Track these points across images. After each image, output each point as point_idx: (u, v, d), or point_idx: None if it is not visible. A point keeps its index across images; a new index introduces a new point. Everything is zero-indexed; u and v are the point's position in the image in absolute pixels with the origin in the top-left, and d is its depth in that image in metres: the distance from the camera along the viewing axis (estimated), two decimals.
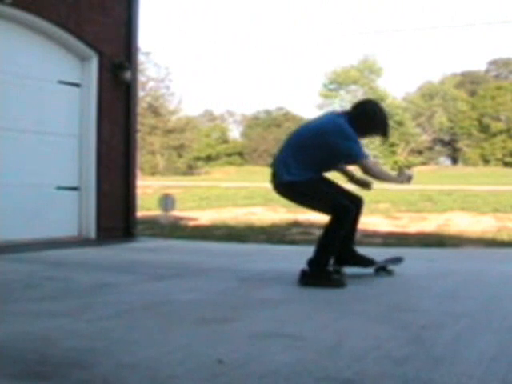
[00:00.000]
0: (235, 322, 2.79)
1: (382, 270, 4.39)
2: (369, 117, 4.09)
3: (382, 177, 4.17)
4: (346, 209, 3.96)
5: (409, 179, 4.12)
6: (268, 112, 62.30)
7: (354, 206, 4.06)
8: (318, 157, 4.02)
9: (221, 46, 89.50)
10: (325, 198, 4.05)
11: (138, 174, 8.60)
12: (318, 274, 3.92)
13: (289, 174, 4.02)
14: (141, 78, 36.18)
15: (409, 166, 52.74)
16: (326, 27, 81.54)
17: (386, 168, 50.88)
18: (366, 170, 3.99)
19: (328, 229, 4.00)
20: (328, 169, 4.18)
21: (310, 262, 3.96)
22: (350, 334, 2.59)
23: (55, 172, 7.06)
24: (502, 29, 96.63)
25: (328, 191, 4.09)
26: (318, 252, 3.98)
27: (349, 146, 3.97)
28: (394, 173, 4.35)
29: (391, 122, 56.37)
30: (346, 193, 4.21)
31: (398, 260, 4.49)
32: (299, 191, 4.07)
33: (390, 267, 4.41)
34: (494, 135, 54.06)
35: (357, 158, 3.97)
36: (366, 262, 4.29)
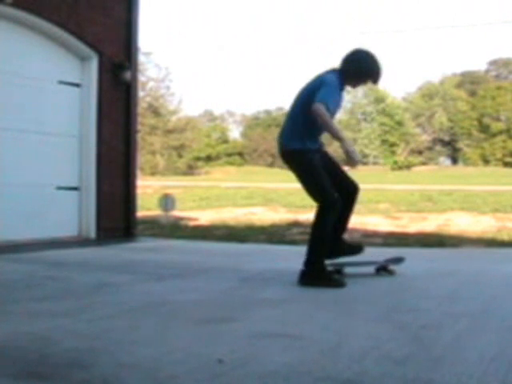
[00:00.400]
0: (235, 322, 2.79)
1: (383, 269, 4.39)
2: (359, 64, 4.03)
3: (329, 126, 3.84)
4: (332, 204, 3.94)
5: (354, 161, 3.88)
6: (268, 112, 62.34)
7: (344, 195, 4.04)
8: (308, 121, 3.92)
9: (221, 46, 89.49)
10: (315, 185, 4.01)
11: (138, 173, 8.60)
12: (316, 274, 3.91)
13: (288, 141, 4.02)
14: (141, 78, 36.17)
15: (409, 166, 52.80)
16: (326, 27, 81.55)
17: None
18: (317, 113, 3.77)
19: (315, 225, 3.99)
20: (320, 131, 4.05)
21: (306, 262, 3.97)
22: (350, 334, 2.59)
23: (55, 172, 7.06)
24: (502, 29, 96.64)
25: (321, 178, 4.00)
26: (309, 251, 3.98)
27: (322, 91, 3.84)
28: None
29: (392, 122, 56.45)
30: (341, 178, 4.14)
31: (398, 260, 4.48)
32: (298, 162, 4.02)
33: (391, 267, 4.41)
34: (494, 135, 54.08)
35: (316, 98, 3.80)
36: (354, 248, 4.31)
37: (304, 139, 3.98)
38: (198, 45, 76.42)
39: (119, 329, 2.66)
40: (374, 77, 4.11)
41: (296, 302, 3.37)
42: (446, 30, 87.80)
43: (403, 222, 12.31)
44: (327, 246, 4.01)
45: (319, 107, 3.76)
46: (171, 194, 13.60)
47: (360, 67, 4.05)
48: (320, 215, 3.98)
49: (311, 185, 4.05)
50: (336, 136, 3.84)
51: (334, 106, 3.93)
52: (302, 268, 3.96)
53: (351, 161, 3.87)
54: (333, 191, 3.99)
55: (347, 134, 57.50)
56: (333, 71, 4.08)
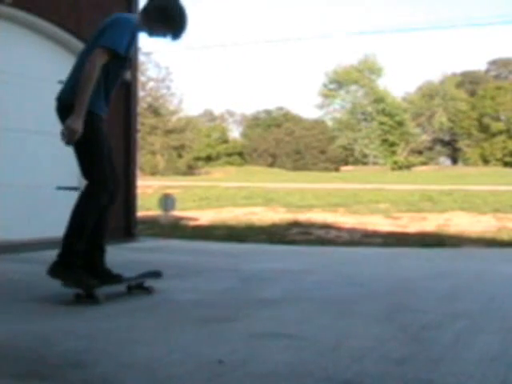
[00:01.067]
0: (235, 322, 2.79)
1: (138, 287, 3.64)
2: (160, 9, 3.55)
3: (85, 87, 3.26)
4: (107, 187, 3.41)
5: (69, 140, 3.32)
6: (268, 112, 62.30)
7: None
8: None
9: (221, 46, 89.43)
10: (92, 158, 3.46)
11: (138, 173, 8.60)
12: (67, 267, 3.29)
13: (69, 95, 3.37)
14: (141, 78, 36.19)
15: (409, 166, 52.81)
16: (326, 27, 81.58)
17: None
18: (90, 64, 3.26)
19: (78, 210, 3.39)
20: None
21: (60, 253, 3.34)
22: (350, 334, 2.59)
23: (55, 172, 7.06)
24: (502, 29, 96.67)
25: (101, 154, 3.47)
26: (65, 240, 3.34)
27: (111, 31, 3.40)
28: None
29: (392, 122, 56.36)
30: (111, 168, 3.57)
31: (155, 274, 3.79)
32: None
33: (147, 284, 3.68)
34: (494, 135, 54.09)
35: (101, 41, 3.34)
36: (113, 278, 3.52)
37: (90, 97, 3.32)
38: (198, 45, 76.44)
39: (119, 329, 2.66)
40: (176, 30, 3.59)
41: (296, 302, 3.37)
42: (446, 29, 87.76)
43: (403, 221, 12.32)
44: (85, 239, 3.39)
45: (96, 57, 3.28)
46: (171, 194, 13.60)
47: (165, 14, 3.55)
48: (87, 197, 3.42)
49: (87, 157, 3.51)
50: (79, 99, 3.25)
51: (126, 47, 3.44)
52: (55, 258, 3.36)
53: (66, 138, 3.35)
54: (109, 174, 3.47)
55: (347, 134, 57.58)
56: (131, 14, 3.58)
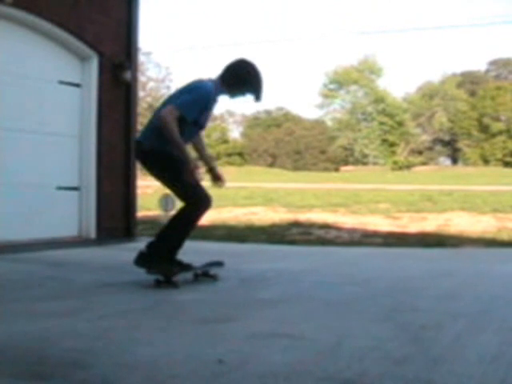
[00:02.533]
0: (235, 322, 2.79)
1: (204, 275, 4.18)
2: (239, 75, 3.93)
3: (170, 135, 3.73)
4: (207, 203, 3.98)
5: (224, 181, 4.13)
6: (268, 112, 62.27)
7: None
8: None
9: (221, 46, 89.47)
10: (182, 182, 3.91)
11: (138, 174, 8.60)
12: (158, 260, 3.86)
13: (146, 141, 3.91)
14: (141, 78, 36.15)
15: (409, 166, 52.81)
16: (326, 27, 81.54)
17: None
18: (163, 120, 3.71)
19: (182, 218, 3.95)
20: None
21: (152, 245, 3.95)
22: (350, 334, 2.59)
23: (55, 172, 7.06)
24: (502, 29, 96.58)
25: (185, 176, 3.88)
26: (160, 240, 3.97)
27: (186, 97, 3.80)
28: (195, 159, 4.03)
29: (392, 122, 56.40)
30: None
31: (218, 264, 4.24)
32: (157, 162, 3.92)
33: (213, 272, 4.18)
34: (494, 135, 54.07)
35: (175, 102, 3.77)
36: (185, 267, 4.08)
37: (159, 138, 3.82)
38: (198, 44, 76.36)
39: (119, 329, 2.66)
40: (254, 92, 3.98)
41: (296, 302, 3.37)
42: (446, 30, 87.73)
43: (403, 221, 12.31)
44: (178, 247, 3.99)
45: (168, 114, 3.70)
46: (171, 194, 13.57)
47: (241, 81, 3.95)
48: (191, 211, 3.94)
49: (176, 180, 3.99)
50: (179, 150, 3.76)
51: (195, 115, 3.82)
52: (143, 249, 3.94)
53: (221, 181, 4.16)
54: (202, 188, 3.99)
55: (347, 134, 57.60)
56: (211, 80, 3.98)
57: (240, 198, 18.78)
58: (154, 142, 3.86)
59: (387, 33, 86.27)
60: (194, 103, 3.79)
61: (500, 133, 54.00)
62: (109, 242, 6.98)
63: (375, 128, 57.22)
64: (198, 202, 3.95)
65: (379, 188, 21.63)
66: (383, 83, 68.68)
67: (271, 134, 57.00)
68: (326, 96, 60.31)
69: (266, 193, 20.52)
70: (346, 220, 12.51)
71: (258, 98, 3.99)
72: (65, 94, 7.17)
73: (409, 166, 53.00)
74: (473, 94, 57.33)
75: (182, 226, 3.97)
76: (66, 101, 7.20)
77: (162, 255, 3.90)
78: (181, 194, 4.02)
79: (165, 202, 12.25)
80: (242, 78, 3.93)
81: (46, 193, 6.93)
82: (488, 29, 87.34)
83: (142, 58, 32.82)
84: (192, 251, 6.79)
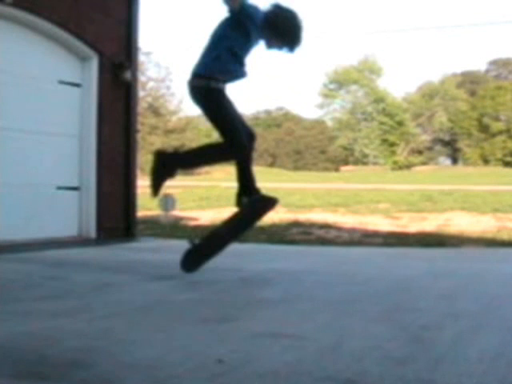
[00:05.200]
0: (235, 322, 2.79)
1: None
2: (281, 19, 3.78)
3: None
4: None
5: None
6: (268, 112, 62.31)
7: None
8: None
9: None
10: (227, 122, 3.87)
11: (138, 173, 8.60)
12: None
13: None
14: (141, 78, 36.14)
15: (409, 166, 52.82)
16: (326, 27, 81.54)
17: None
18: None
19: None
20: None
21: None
22: (350, 334, 2.58)
23: (55, 172, 7.06)
24: (502, 29, 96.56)
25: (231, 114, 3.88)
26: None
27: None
28: None
29: (392, 122, 56.46)
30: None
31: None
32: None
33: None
34: (494, 135, 54.11)
35: None
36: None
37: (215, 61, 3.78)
38: (198, 45, 76.32)
39: (119, 329, 2.65)
40: (293, 44, 3.83)
41: (296, 302, 3.37)
42: (446, 29, 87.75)
43: (403, 221, 12.31)
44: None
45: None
46: (171, 193, 13.58)
47: (288, 26, 3.79)
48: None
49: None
50: None
51: (249, 11, 3.74)
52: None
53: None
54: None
55: (347, 134, 57.60)
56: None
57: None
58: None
59: (387, 33, 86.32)
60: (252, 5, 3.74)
61: (500, 133, 54.04)
62: (109, 241, 6.98)
63: (375, 128, 57.26)
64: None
65: (379, 188, 21.64)
66: (383, 83, 68.76)
67: (271, 134, 57.02)
68: (326, 96, 60.36)
69: (265, 192, 20.49)
70: (346, 220, 12.51)
71: (292, 50, 3.85)
72: (65, 93, 7.17)
73: (409, 166, 53.04)
74: (473, 93, 57.36)
75: None
76: (66, 101, 7.20)
77: None
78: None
79: (165, 202, 12.26)
80: (291, 32, 3.77)
81: (45, 193, 6.93)
82: (488, 29, 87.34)
83: (142, 57, 32.83)
84: None
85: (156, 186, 3.94)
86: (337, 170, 51.77)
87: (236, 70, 3.88)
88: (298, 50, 3.84)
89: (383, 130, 56.78)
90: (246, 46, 3.88)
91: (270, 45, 3.86)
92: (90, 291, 3.69)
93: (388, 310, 3.14)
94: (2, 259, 5.21)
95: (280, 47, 3.83)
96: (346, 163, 55.95)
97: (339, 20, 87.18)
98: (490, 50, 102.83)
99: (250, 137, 4.04)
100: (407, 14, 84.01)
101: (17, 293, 3.61)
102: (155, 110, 47.69)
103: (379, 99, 56.85)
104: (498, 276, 4.58)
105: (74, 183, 7.25)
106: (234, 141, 3.84)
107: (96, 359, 2.14)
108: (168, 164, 3.93)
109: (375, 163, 57.02)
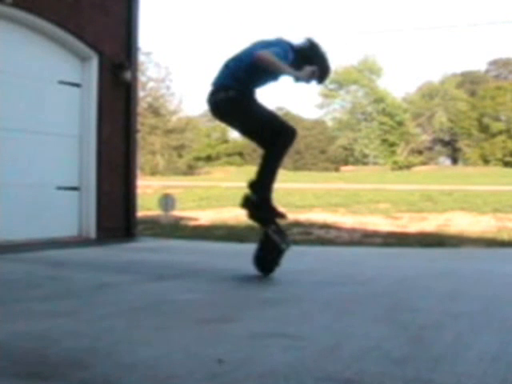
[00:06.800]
0: (235, 322, 2.79)
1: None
2: (315, 51, 3.99)
3: (276, 65, 3.71)
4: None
5: (310, 74, 3.79)
6: None
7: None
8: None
9: (221, 46, 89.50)
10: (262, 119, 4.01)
11: (138, 173, 8.61)
12: (265, 208, 4.03)
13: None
14: (141, 78, 36.18)
15: (409, 166, 52.82)
16: (326, 27, 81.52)
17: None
18: (261, 57, 3.68)
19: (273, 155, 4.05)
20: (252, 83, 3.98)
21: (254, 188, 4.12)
22: (350, 334, 2.59)
23: (55, 172, 7.06)
24: (502, 29, 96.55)
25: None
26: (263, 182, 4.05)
27: (274, 48, 3.77)
28: None
29: (392, 122, 56.42)
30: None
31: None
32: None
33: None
34: (494, 135, 54.08)
35: (258, 50, 3.75)
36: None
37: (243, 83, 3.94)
38: (199, 44, 76.38)
39: (119, 329, 2.65)
40: (322, 78, 4.02)
41: (296, 302, 3.37)
42: (446, 29, 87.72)
43: (403, 221, 12.31)
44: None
45: (262, 52, 3.68)
46: (171, 193, 13.59)
47: (319, 59, 3.97)
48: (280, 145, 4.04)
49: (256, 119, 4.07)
50: (289, 73, 3.76)
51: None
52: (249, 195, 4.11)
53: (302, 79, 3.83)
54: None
55: (347, 134, 57.61)
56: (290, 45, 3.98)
57: (240, 197, 18.77)
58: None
59: (387, 33, 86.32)
60: (282, 50, 3.77)
61: (500, 133, 54.01)
62: (109, 241, 6.99)
63: (375, 128, 57.24)
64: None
65: (379, 188, 21.63)
66: (383, 83, 68.69)
67: None
68: (326, 96, 60.30)
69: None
70: (346, 220, 12.51)
71: (321, 83, 4.06)
72: (65, 93, 7.18)
73: (409, 166, 53.01)
74: (473, 93, 57.34)
75: None
76: (66, 101, 7.21)
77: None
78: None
79: (165, 202, 12.27)
80: (320, 60, 3.95)
81: (45, 193, 6.94)
82: (488, 29, 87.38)
83: (142, 57, 32.84)
84: (192, 251, 6.80)
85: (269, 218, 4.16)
86: (337, 170, 51.75)
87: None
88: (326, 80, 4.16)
89: (383, 130, 56.77)
90: (269, 81, 4.11)
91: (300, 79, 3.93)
92: (90, 291, 3.69)
93: (388, 309, 3.14)
94: (2, 259, 5.21)
95: (310, 80, 3.91)
96: (346, 163, 55.93)
97: (339, 20, 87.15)
98: (490, 50, 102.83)
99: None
100: (407, 14, 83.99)
101: (17, 293, 3.61)
102: (155, 110, 47.68)
103: (379, 99, 56.82)
104: (498, 276, 4.58)
105: (74, 183, 7.25)
106: (278, 128, 4.07)
107: (96, 359, 2.14)
108: (259, 206, 4.13)
109: (375, 163, 57.00)
